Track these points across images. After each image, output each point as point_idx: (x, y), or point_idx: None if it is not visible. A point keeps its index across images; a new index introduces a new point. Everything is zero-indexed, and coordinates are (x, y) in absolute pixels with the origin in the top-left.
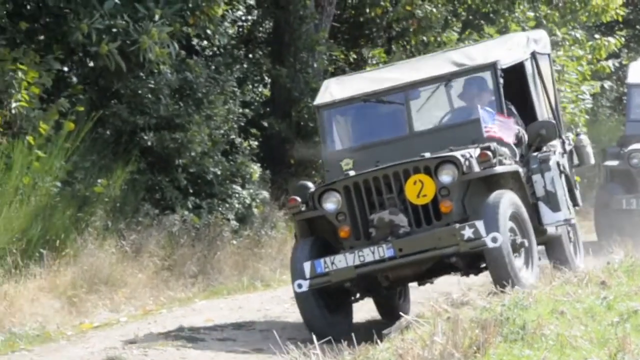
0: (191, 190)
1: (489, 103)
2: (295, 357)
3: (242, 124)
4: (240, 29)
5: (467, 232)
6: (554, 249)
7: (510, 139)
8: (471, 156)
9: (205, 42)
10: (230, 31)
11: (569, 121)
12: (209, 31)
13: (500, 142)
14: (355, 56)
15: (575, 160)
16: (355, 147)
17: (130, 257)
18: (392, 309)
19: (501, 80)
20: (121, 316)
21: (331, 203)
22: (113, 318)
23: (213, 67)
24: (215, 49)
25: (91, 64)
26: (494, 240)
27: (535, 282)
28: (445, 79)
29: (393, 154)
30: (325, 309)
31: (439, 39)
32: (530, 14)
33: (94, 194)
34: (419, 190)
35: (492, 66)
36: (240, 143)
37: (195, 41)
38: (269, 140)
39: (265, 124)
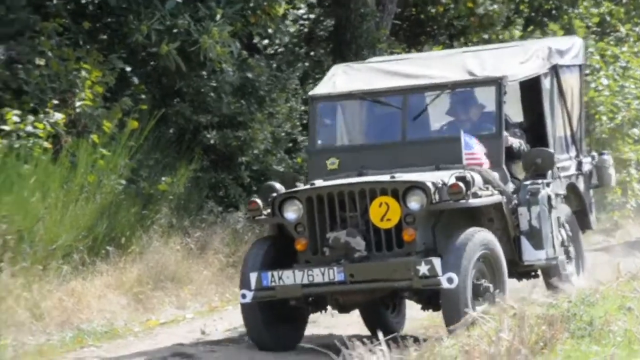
0: (254, 188)
1: (489, 117)
2: (361, 354)
3: (304, 121)
4: (302, 27)
5: (423, 268)
6: (549, 271)
7: (489, 164)
8: (444, 184)
9: (266, 41)
10: (292, 29)
11: (634, 117)
12: (270, 30)
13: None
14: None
15: (595, 181)
16: (344, 146)
17: (195, 254)
18: (382, 324)
19: (504, 98)
20: (187, 313)
21: (292, 212)
22: (179, 315)
23: (275, 66)
24: (276, 47)
25: (153, 63)
26: (450, 281)
27: None
28: (447, 88)
29: (380, 161)
30: (273, 320)
31: (500, 36)
32: (594, 10)
33: (158, 192)
34: (383, 213)
35: (496, 81)
36: (302, 140)
37: (256, 40)
38: None
39: None
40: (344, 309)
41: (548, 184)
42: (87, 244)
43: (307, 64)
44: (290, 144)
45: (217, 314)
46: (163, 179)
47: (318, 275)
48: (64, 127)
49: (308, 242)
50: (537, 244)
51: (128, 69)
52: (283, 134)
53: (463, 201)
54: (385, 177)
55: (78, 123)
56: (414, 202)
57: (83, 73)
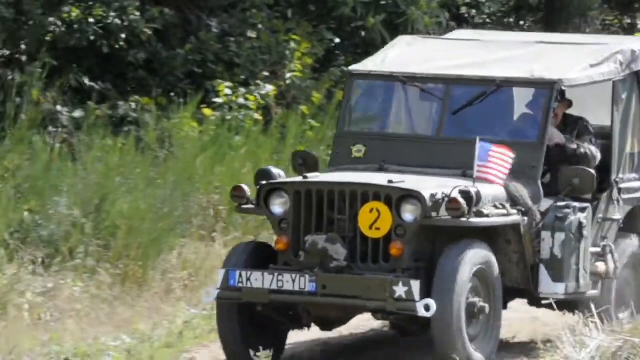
0: None
1: (533, 123)
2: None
3: None
4: None
5: (399, 290)
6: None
7: (501, 179)
8: (445, 197)
9: (474, 11)
10: None
11: None
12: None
13: (526, 177)
14: (629, 21)
15: None
16: (374, 133)
17: None
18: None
19: (555, 103)
20: None
21: (278, 206)
22: None
23: None
24: (485, 17)
25: (362, 33)
26: (427, 308)
27: (492, 352)
28: (495, 84)
29: (408, 156)
30: (251, 328)
31: None
32: None
33: None
34: (373, 220)
35: (550, 85)
36: None
37: (464, 10)
38: None
39: None
40: (322, 324)
41: (583, 209)
42: None
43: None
44: None
45: None
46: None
47: (288, 281)
48: (274, 99)
49: (290, 242)
50: (557, 276)
51: (337, 40)
52: None
53: (463, 219)
54: (382, 180)
55: (287, 95)
56: (408, 213)
57: (292, 45)
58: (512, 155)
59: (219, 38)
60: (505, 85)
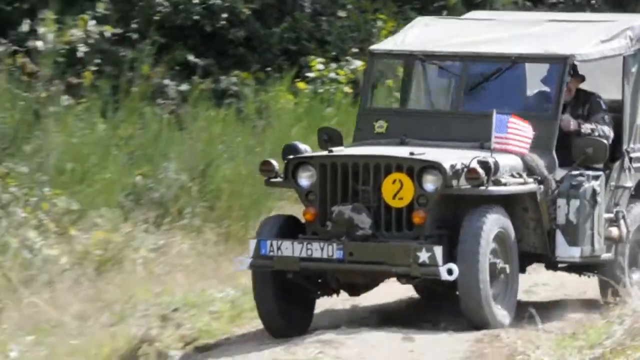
0: None
1: (548, 97)
2: None
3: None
4: None
5: (423, 255)
6: (604, 272)
7: (524, 150)
8: (465, 167)
9: None
10: None
11: None
12: None
13: (540, 147)
14: None
15: None
16: (395, 110)
17: None
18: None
19: (568, 77)
20: None
21: (305, 179)
22: None
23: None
24: None
25: (444, 12)
26: (450, 272)
27: (511, 312)
28: (510, 61)
29: (428, 131)
30: (285, 298)
31: None
32: None
33: None
34: (396, 190)
35: (563, 59)
36: None
37: None
38: None
39: None
40: (349, 290)
41: (597, 177)
42: None
43: (587, 11)
44: None
45: None
46: None
47: (317, 250)
48: (363, 74)
49: (317, 213)
50: (573, 240)
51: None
52: None
53: (482, 188)
54: (404, 153)
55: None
56: (430, 183)
57: (379, 23)
58: (530, 127)
59: (311, 17)
60: (520, 61)
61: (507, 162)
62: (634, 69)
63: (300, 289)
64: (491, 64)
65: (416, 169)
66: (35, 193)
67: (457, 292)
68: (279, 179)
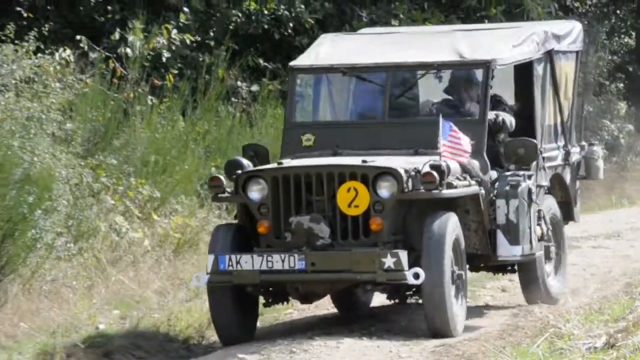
0: None
1: (475, 101)
2: None
3: (610, 69)
4: None
5: (388, 261)
6: (525, 269)
7: (464, 158)
8: (417, 172)
9: (577, 4)
10: None
11: None
12: None
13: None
14: None
15: (582, 173)
16: (321, 122)
17: None
18: (350, 300)
19: (491, 81)
20: None
21: (256, 192)
22: None
23: (586, 22)
24: (587, 7)
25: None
26: (416, 276)
27: (464, 317)
28: (433, 68)
29: (357, 141)
30: (237, 307)
31: None
32: None
33: None
34: (351, 198)
35: (485, 64)
36: (608, 85)
37: (569, 1)
38: (634, 82)
39: (630, 69)
40: (305, 299)
41: (530, 177)
42: None
43: (613, 20)
44: (597, 88)
45: None
46: None
47: (278, 261)
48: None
49: (271, 225)
50: (513, 239)
51: None
52: (592, 79)
53: (436, 191)
54: (356, 161)
55: None
56: (384, 189)
57: None
58: (467, 138)
59: (368, 26)
60: (443, 68)
61: (452, 167)
62: (541, 72)
63: (251, 298)
64: (414, 73)
65: (371, 176)
66: (122, 182)
67: (421, 299)
68: (226, 194)
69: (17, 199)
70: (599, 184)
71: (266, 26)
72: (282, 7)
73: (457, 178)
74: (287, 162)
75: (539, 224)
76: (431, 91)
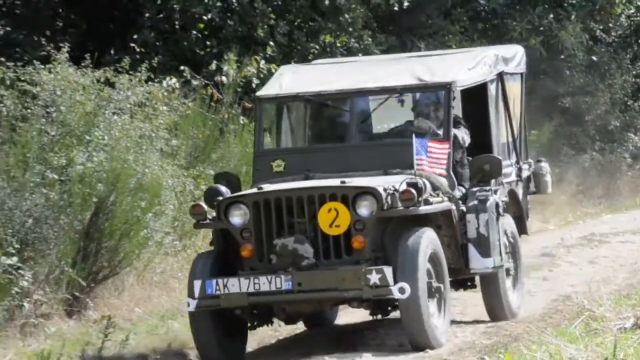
0: (597, 137)
1: (438, 122)
2: None
3: (634, 89)
4: (632, 22)
5: (373, 278)
6: (487, 284)
7: (443, 170)
8: (395, 190)
9: (604, 35)
10: (625, 24)
11: None
12: (610, 24)
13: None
14: None
15: (532, 188)
16: (290, 149)
17: (554, 184)
18: (319, 317)
19: (453, 102)
20: (550, 225)
21: (237, 217)
22: (543, 227)
23: (612, 50)
24: (613, 37)
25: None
26: (402, 291)
27: (446, 329)
28: (396, 92)
29: (327, 165)
30: (220, 331)
31: None
32: None
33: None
34: (332, 219)
35: (446, 87)
36: (632, 103)
37: (598, 32)
38: None
39: None
40: (290, 319)
41: (496, 191)
42: None
43: (636, 48)
44: (623, 106)
45: (571, 226)
46: (533, 132)
47: (265, 283)
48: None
49: (254, 249)
50: (485, 252)
51: None
52: (618, 99)
53: (414, 207)
54: (335, 182)
55: None
56: (364, 208)
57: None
58: (448, 147)
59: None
60: (406, 92)
61: (426, 183)
62: (494, 92)
63: (237, 321)
64: (378, 98)
65: (351, 196)
66: None
67: (399, 313)
68: (208, 221)
69: (132, 204)
70: (624, 187)
71: (339, 56)
72: (353, 40)
73: (431, 194)
74: (267, 187)
75: (503, 238)
76: (392, 115)
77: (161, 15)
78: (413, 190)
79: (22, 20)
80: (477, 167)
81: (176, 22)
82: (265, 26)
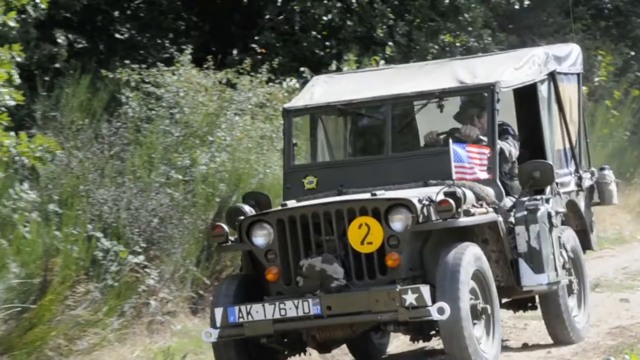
0: None
1: (483, 128)
2: None
3: None
4: None
5: (409, 298)
6: (547, 304)
7: (487, 175)
8: (431, 201)
9: None
10: None
11: None
12: None
13: (484, 181)
14: None
15: (596, 198)
16: (322, 163)
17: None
18: (366, 346)
19: (497, 104)
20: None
21: (261, 237)
22: None
23: None
24: None
25: None
26: (441, 311)
27: (497, 353)
28: (435, 97)
29: (362, 179)
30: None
31: None
32: None
33: None
34: (364, 235)
35: (488, 88)
36: None
37: None
38: None
39: None
40: (323, 347)
41: (547, 200)
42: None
43: None
44: None
45: None
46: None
47: (291, 308)
48: (586, 96)
49: (280, 271)
50: (538, 267)
51: (632, 53)
52: None
53: (452, 220)
54: (365, 195)
55: (595, 93)
56: (398, 222)
57: (599, 58)
58: (487, 151)
59: None
60: (445, 95)
61: (466, 192)
62: (545, 94)
63: (265, 351)
64: (417, 103)
65: (382, 210)
66: None
67: (440, 336)
68: (230, 243)
69: None
70: None
71: (459, 56)
72: (472, 39)
73: (473, 205)
74: (292, 204)
75: (561, 252)
76: (434, 121)
77: (281, 17)
78: (451, 200)
79: (146, 23)
80: (526, 174)
81: (296, 23)
82: (385, 26)
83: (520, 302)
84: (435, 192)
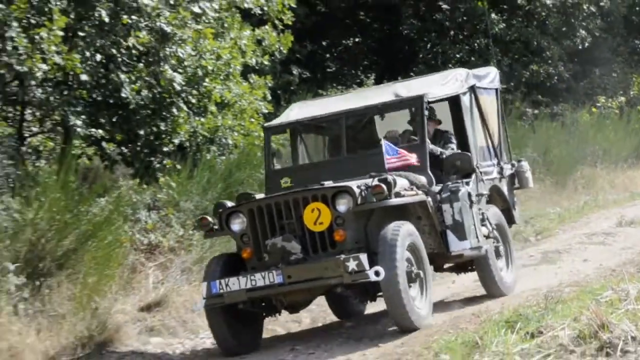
0: None
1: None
2: None
3: None
4: None
5: (351, 264)
6: (480, 267)
7: (416, 161)
8: (368, 187)
9: None
10: None
11: None
12: None
13: (416, 169)
14: None
15: (516, 184)
16: (295, 167)
17: None
18: (347, 309)
19: (426, 113)
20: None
21: (237, 224)
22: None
23: None
24: None
25: None
26: (377, 274)
27: (429, 310)
28: (376, 110)
29: (325, 176)
30: (232, 323)
31: None
32: None
33: None
34: (316, 217)
35: (418, 100)
36: None
37: None
38: None
39: None
40: (291, 309)
41: (468, 183)
42: None
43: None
44: None
45: None
46: None
47: (260, 279)
48: (625, 104)
49: (252, 250)
50: (461, 236)
51: None
52: None
53: (385, 201)
54: (315, 186)
55: (631, 102)
56: (342, 205)
57: (633, 79)
58: (413, 156)
59: (600, 77)
60: (385, 107)
61: (400, 181)
62: (467, 104)
63: (248, 313)
64: (363, 115)
65: (329, 196)
66: None
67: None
68: (214, 230)
69: None
70: None
71: (542, 78)
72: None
73: (405, 189)
74: (259, 196)
75: (484, 225)
76: (397, 124)
77: (430, 55)
78: (383, 185)
79: (347, 61)
80: (450, 163)
81: (439, 59)
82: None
83: (461, 266)
84: (371, 180)
